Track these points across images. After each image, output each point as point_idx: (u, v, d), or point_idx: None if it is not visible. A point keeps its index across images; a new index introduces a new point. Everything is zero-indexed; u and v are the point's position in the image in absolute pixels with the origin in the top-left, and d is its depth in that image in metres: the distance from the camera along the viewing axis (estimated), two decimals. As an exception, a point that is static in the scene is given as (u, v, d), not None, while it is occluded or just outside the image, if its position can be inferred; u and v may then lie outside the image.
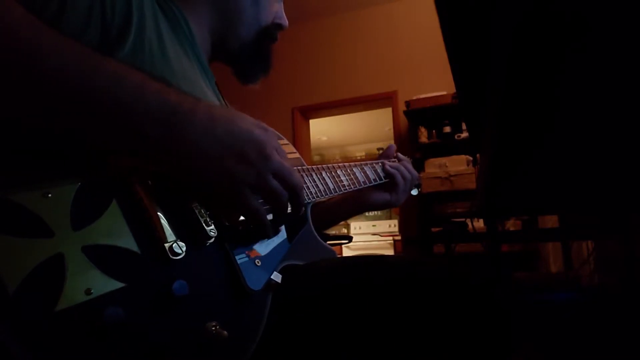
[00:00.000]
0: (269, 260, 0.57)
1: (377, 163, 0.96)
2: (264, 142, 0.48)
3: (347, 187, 0.83)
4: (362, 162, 0.93)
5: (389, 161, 0.98)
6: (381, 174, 0.94)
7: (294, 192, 0.52)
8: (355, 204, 0.94)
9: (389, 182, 0.94)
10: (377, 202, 0.94)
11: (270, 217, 0.53)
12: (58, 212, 0.39)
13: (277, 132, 0.64)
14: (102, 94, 0.40)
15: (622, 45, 0.38)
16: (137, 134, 0.42)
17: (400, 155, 1.02)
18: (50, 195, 0.39)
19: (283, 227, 0.63)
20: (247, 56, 0.77)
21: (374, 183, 0.92)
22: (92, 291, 0.38)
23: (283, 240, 0.62)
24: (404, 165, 0.97)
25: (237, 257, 0.52)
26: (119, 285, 0.40)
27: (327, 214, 0.93)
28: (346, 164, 0.88)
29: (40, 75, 0.38)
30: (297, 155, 0.75)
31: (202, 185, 0.47)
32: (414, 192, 1.10)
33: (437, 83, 3.77)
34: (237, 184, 0.47)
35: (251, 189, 0.48)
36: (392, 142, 4.38)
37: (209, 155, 0.45)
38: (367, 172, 0.91)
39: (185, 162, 0.45)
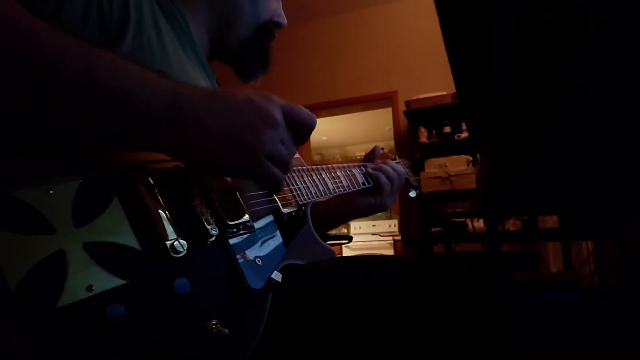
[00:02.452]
0: (269, 260, 0.57)
1: (363, 165, 0.92)
2: (266, 109, 0.47)
3: (345, 189, 0.83)
4: (349, 164, 0.89)
5: (373, 163, 0.93)
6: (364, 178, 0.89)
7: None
8: (343, 210, 0.90)
9: (374, 185, 0.90)
10: (360, 207, 0.89)
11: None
12: (60, 209, 0.39)
13: None
14: (101, 85, 0.40)
15: (622, 46, 0.38)
16: (139, 123, 0.42)
17: (386, 160, 0.96)
18: (52, 191, 0.39)
19: (278, 232, 0.62)
20: (246, 54, 0.78)
21: (362, 187, 0.88)
22: (93, 288, 0.38)
23: (279, 245, 0.61)
24: (390, 166, 0.93)
25: (237, 257, 0.52)
26: (120, 282, 0.40)
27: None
28: (345, 164, 0.88)
29: (39, 68, 0.38)
30: (297, 155, 0.76)
31: (218, 165, 0.46)
32: (412, 194, 1.07)
33: (437, 83, 3.77)
34: (253, 154, 0.46)
35: (267, 157, 0.47)
36: (392, 142, 4.39)
37: (214, 132, 0.44)
38: (356, 175, 0.88)
39: (193, 145, 0.44)
